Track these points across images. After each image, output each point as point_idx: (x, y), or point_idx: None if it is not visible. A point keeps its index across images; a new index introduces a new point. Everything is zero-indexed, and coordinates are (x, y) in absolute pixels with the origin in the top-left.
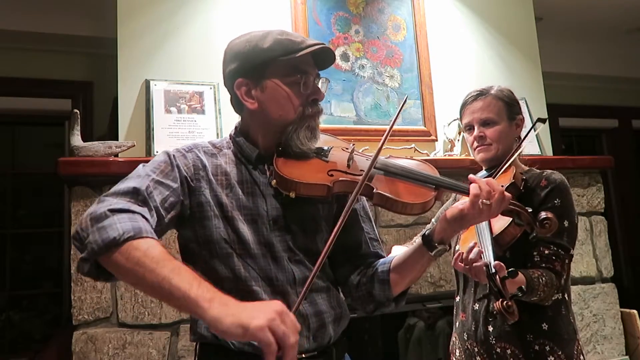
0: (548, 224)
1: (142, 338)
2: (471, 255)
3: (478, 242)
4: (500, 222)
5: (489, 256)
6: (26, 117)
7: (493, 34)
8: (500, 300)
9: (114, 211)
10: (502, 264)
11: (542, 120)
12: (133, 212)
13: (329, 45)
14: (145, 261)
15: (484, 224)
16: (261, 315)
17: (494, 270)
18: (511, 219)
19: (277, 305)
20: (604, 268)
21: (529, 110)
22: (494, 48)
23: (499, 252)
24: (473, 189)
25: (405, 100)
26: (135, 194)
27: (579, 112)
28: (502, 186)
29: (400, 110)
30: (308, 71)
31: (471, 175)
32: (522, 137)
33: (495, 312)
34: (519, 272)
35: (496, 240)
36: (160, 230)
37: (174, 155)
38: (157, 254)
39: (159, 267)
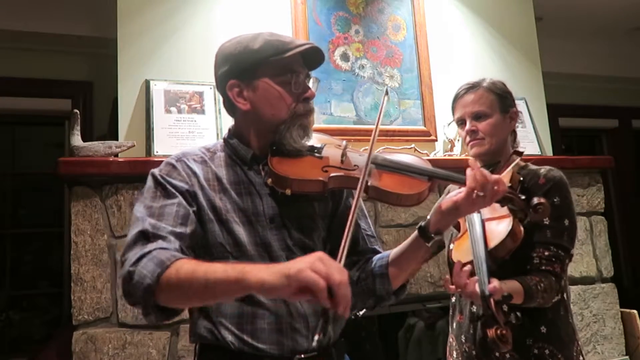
0: (541, 208)
1: (142, 338)
2: (462, 278)
3: (473, 256)
4: (496, 236)
5: (483, 271)
6: (26, 117)
7: (493, 34)
8: (495, 328)
9: (135, 264)
10: (497, 287)
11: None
12: (149, 252)
13: (318, 45)
14: (182, 281)
15: (479, 237)
16: (299, 262)
17: (488, 293)
18: (507, 233)
19: (318, 253)
20: (604, 268)
21: (529, 111)
22: (494, 48)
23: (493, 265)
24: (469, 181)
25: (387, 92)
26: (143, 237)
27: (579, 112)
28: None
29: (383, 104)
30: (298, 70)
31: (471, 160)
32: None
33: (488, 339)
34: (517, 281)
35: (490, 254)
36: (189, 246)
37: (160, 175)
38: (187, 269)
39: (194, 277)
